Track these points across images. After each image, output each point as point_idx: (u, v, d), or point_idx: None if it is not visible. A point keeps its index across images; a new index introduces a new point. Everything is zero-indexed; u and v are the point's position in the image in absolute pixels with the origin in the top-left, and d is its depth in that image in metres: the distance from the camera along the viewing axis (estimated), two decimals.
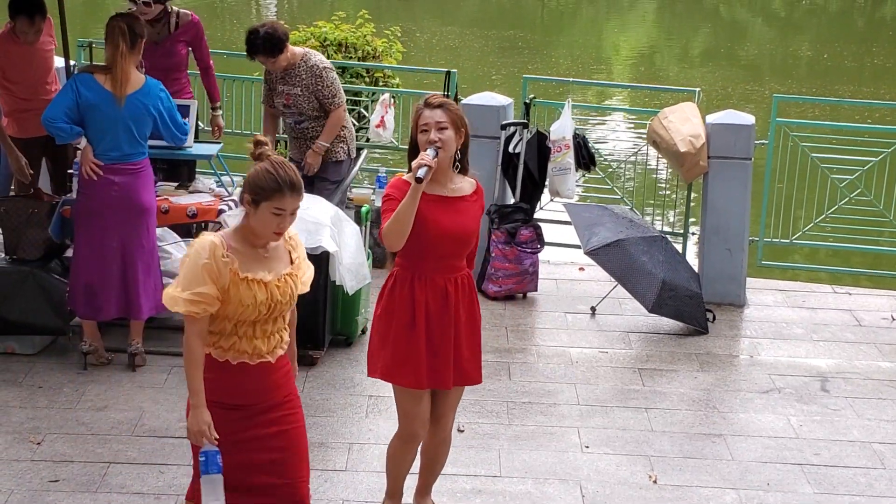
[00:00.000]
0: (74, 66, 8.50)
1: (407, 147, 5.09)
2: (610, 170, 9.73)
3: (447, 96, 7.15)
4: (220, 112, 8.45)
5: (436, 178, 4.93)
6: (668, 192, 9.96)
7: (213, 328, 4.33)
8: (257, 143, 4.39)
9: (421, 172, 4.77)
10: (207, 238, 4.29)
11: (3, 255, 7.25)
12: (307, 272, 4.50)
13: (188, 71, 8.34)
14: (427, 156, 4.81)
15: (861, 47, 25.11)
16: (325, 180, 7.84)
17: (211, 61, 8.37)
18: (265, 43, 7.50)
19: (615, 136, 11.55)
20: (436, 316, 5.00)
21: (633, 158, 9.61)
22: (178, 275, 4.31)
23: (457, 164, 4.99)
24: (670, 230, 9.42)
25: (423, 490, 5.49)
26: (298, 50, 7.80)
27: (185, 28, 8.14)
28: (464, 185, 5.05)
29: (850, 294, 8.88)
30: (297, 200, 4.29)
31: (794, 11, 31.90)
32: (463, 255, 5.06)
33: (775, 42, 26.56)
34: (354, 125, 9.91)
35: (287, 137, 8.12)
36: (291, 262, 4.44)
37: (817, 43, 26.04)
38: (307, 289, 4.50)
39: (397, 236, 4.83)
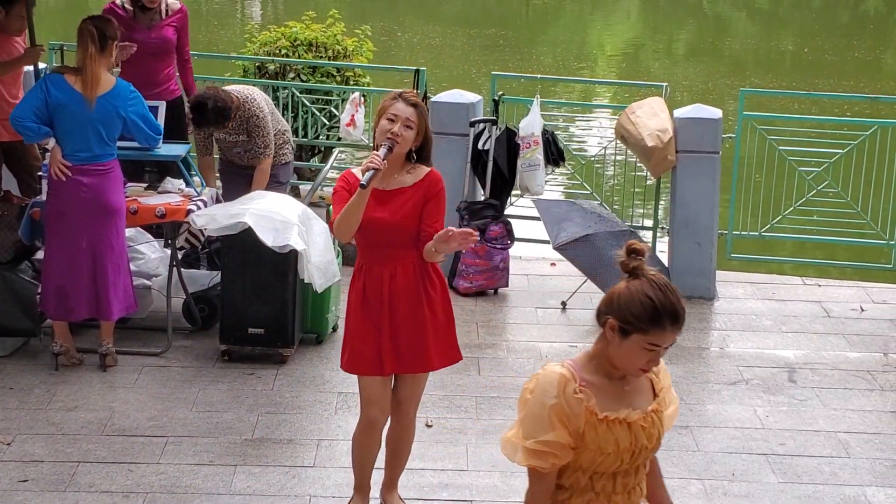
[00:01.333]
0: (45, 68, 8.54)
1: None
2: (579, 165, 9.75)
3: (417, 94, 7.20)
4: None
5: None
6: (637, 187, 9.97)
7: (562, 482, 3.53)
8: (632, 252, 3.47)
9: (365, 178, 4.83)
10: (555, 370, 3.45)
11: None
12: (672, 405, 3.63)
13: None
14: (377, 157, 4.86)
15: (843, 41, 25.17)
16: (278, 182, 7.91)
17: (189, 55, 8.53)
18: (216, 116, 7.44)
19: (586, 132, 11.58)
20: (374, 304, 5.09)
21: (601, 153, 9.65)
22: (518, 417, 3.51)
23: (410, 159, 5.05)
24: (640, 224, 9.46)
25: (390, 484, 5.54)
26: (234, 97, 7.60)
27: (175, 13, 8.37)
28: (408, 176, 5.06)
29: (819, 286, 8.92)
30: (676, 334, 3.42)
31: (778, 6, 31.95)
32: (403, 244, 5.03)
33: (758, 37, 26.61)
34: (325, 124, 9.97)
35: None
36: (655, 395, 3.59)
37: (800, 37, 26.10)
38: (670, 426, 3.64)
39: (344, 231, 4.99)
